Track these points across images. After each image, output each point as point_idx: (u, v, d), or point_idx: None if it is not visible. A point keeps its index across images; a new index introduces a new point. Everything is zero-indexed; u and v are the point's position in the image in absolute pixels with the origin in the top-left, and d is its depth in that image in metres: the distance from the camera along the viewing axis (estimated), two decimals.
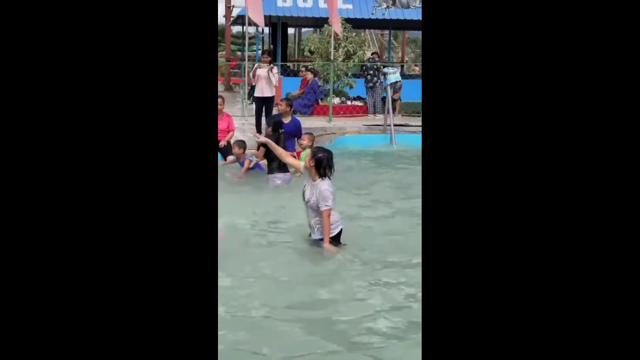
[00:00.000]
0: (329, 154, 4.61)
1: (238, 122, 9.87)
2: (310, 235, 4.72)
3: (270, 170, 7.02)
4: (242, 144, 7.58)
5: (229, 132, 8.16)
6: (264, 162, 7.30)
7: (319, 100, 12.64)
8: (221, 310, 3.37)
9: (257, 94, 9.84)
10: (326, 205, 4.44)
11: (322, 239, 4.51)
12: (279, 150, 5.18)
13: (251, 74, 10.13)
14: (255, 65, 10.04)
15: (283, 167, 6.96)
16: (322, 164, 4.53)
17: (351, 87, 13.18)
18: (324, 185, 4.50)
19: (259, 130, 9.49)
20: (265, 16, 11.67)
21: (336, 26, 11.32)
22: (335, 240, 4.57)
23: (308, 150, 7.09)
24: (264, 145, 6.99)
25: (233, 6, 18.02)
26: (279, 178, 6.97)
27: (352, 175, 7.82)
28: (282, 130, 7.18)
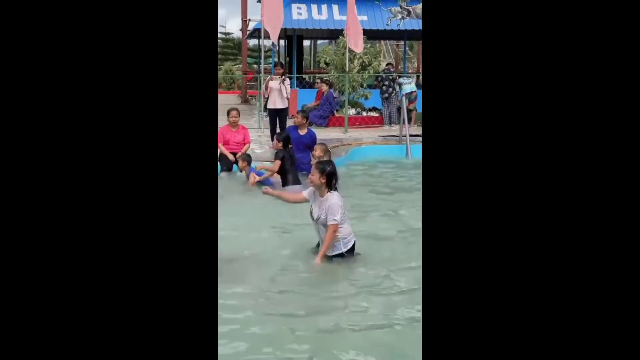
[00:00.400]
0: (334, 166, 4.57)
1: (254, 135, 9.94)
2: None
3: (285, 183, 7.19)
4: (246, 158, 7.66)
5: (244, 144, 8.21)
6: (274, 177, 7.35)
7: (335, 112, 12.67)
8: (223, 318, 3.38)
9: (269, 106, 9.91)
10: (334, 220, 4.33)
11: (336, 255, 4.42)
12: (284, 195, 5.19)
13: (263, 87, 10.22)
14: (268, 77, 10.12)
15: (297, 180, 7.16)
16: (332, 177, 4.47)
17: (366, 98, 13.20)
18: (334, 198, 4.42)
19: (273, 140, 9.57)
20: (280, 29, 11.77)
21: (353, 41, 11.31)
22: (349, 253, 4.50)
23: None
24: (281, 159, 7.11)
25: (249, 20, 18.19)
26: (294, 190, 7.01)
27: (367, 186, 7.82)
28: (291, 145, 7.38)
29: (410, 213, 6.15)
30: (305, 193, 4.70)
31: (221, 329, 3.18)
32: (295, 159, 7.45)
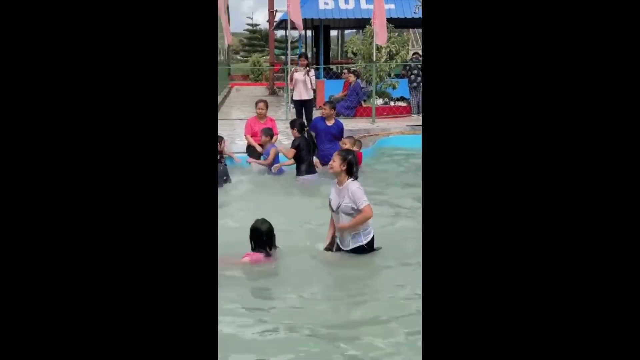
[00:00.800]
0: (355, 155, 4.59)
1: (282, 126, 9.96)
2: (336, 247, 4.49)
3: (299, 172, 7.19)
4: (269, 132, 7.63)
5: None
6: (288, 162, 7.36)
7: (362, 102, 12.62)
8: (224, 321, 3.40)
9: (295, 97, 9.93)
10: (364, 202, 4.28)
11: (357, 248, 4.35)
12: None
13: (289, 78, 10.24)
14: (292, 69, 10.13)
15: (311, 169, 7.19)
16: (352, 166, 4.43)
17: (394, 87, 13.10)
18: (354, 185, 4.38)
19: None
20: (307, 19, 11.75)
21: (379, 34, 11.20)
22: (369, 246, 4.40)
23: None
24: (297, 148, 7.13)
25: (276, 11, 18.21)
26: (308, 180, 7.14)
27: (394, 176, 7.77)
28: (307, 127, 7.41)
29: None
30: (331, 195, 4.55)
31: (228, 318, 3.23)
32: (313, 146, 7.43)
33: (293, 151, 7.17)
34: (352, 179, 4.41)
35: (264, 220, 4.28)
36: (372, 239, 4.43)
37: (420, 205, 6.04)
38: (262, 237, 4.18)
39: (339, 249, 4.47)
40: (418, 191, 7.11)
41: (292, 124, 7.61)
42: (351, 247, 4.37)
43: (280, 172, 7.45)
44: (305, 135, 7.40)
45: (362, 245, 4.36)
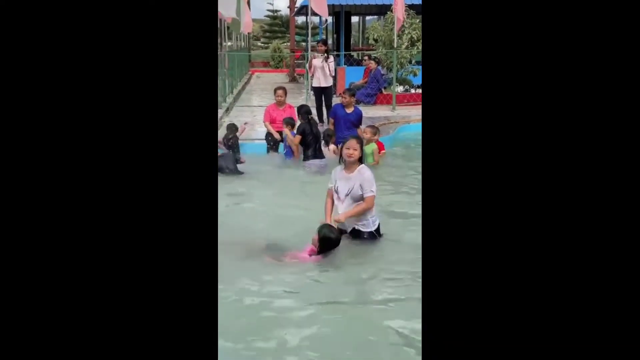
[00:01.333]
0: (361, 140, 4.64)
1: None
2: (341, 233, 4.37)
3: (306, 157, 7.31)
4: (290, 121, 7.71)
5: None
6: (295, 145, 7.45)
7: (383, 89, 12.54)
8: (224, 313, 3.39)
9: (314, 84, 9.89)
10: (371, 192, 4.30)
11: (369, 233, 4.37)
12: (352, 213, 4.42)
13: (307, 65, 10.18)
14: (311, 56, 10.08)
15: (319, 154, 7.31)
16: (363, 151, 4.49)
17: (415, 74, 12.97)
18: (367, 171, 4.39)
19: (320, 119, 9.59)
20: (328, 5, 11.66)
21: (399, 11, 11.12)
22: (377, 232, 4.46)
23: (373, 145, 7.07)
24: (302, 133, 7.28)
25: None
26: (314, 165, 7.24)
27: (414, 163, 7.73)
28: (311, 115, 7.58)
29: None
30: (329, 184, 4.53)
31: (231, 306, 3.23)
32: (319, 133, 7.55)
33: (299, 137, 7.34)
34: (362, 164, 4.44)
35: (330, 229, 4.20)
36: (379, 227, 4.49)
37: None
38: (333, 245, 4.16)
39: (343, 231, 4.43)
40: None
41: (298, 110, 7.71)
42: (364, 229, 4.39)
43: (289, 156, 7.50)
44: (310, 121, 7.53)
45: (372, 231, 4.42)
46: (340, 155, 4.51)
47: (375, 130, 7.37)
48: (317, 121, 9.61)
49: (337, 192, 4.44)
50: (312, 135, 7.36)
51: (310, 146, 7.30)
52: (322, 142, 7.59)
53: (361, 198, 4.32)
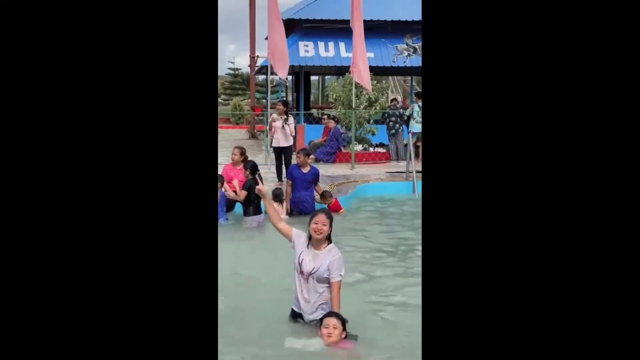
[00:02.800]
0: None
1: (261, 171, 9.93)
2: (299, 316, 4.00)
3: (246, 213, 7.45)
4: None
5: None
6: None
7: (342, 148, 12.69)
8: None
9: (274, 144, 9.99)
10: (340, 276, 3.87)
11: (320, 319, 3.80)
12: (272, 212, 4.27)
13: (267, 127, 10.28)
14: (270, 118, 10.19)
15: (258, 210, 7.43)
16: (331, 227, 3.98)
17: (373, 134, 13.22)
18: (338, 252, 3.95)
19: (279, 178, 9.61)
20: (289, 66, 11.89)
21: (365, 80, 11.33)
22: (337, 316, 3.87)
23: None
24: (248, 190, 7.31)
25: (257, 56, 18.43)
26: (254, 220, 7.39)
27: (373, 223, 7.75)
28: (259, 171, 7.68)
29: (412, 257, 6.05)
30: (293, 232, 4.10)
31: None
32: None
33: (245, 193, 7.45)
34: (331, 244, 4.01)
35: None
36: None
37: (399, 252, 6.06)
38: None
39: (299, 316, 4.00)
40: (398, 236, 7.10)
41: (245, 166, 7.85)
42: (315, 317, 3.92)
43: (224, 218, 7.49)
44: (257, 177, 7.56)
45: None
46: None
47: (323, 191, 7.53)
48: (277, 179, 9.63)
49: (300, 265, 3.97)
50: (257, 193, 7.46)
51: (253, 203, 7.44)
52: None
53: (326, 281, 3.89)
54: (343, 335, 3.73)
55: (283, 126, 9.75)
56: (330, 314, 3.83)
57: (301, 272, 3.95)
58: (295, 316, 4.03)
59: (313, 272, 3.88)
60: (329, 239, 3.99)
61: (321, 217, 3.96)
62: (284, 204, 8.15)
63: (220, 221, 7.14)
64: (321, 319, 3.79)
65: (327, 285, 3.90)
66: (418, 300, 4.17)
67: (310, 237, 3.97)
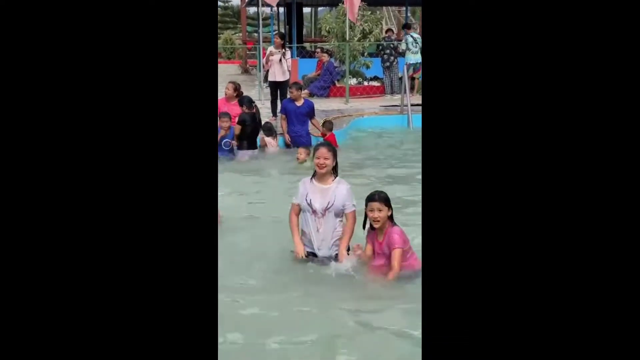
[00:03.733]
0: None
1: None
2: (309, 254, 3.95)
3: (241, 147, 7.57)
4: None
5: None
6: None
7: (336, 82, 12.53)
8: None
9: (270, 78, 9.82)
10: (353, 206, 3.87)
11: (335, 255, 3.87)
12: (295, 235, 4.03)
13: (264, 60, 10.08)
14: (268, 51, 9.98)
15: (252, 144, 7.65)
16: (336, 157, 3.98)
17: (368, 67, 13.02)
18: (346, 185, 3.93)
19: (274, 113, 9.54)
20: None
21: (350, 11, 11.06)
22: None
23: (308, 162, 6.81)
24: (241, 124, 7.46)
25: None
26: (246, 154, 7.56)
27: (367, 159, 7.79)
28: (254, 103, 7.87)
29: (406, 190, 6.10)
30: (295, 199, 4.02)
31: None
32: (259, 124, 7.86)
33: (239, 127, 7.50)
34: (337, 177, 3.99)
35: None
36: None
37: (392, 183, 6.12)
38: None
39: (312, 254, 3.97)
40: (390, 172, 7.16)
41: (241, 102, 7.87)
42: (329, 254, 3.93)
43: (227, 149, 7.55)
44: (254, 110, 7.80)
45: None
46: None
47: (324, 121, 7.51)
48: (272, 115, 9.57)
49: (311, 206, 3.89)
50: (251, 127, 7.62)
51: (247, 137, 7.54)
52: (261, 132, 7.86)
53: (342, 214, 3.89)
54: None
55: (281, 60, 9.57)
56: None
57: (314, 212, 3.89)
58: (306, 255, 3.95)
59: (329, 206, 3.85)
60: (335, 172, 3.96)
61: (322, 152, 3.91)
62: (277, 137, 8.14)
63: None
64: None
65: (341, 219, 3.91)
66: (418, 220, 4.22)
67: (315, 172, 3.97)
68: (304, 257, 3.93)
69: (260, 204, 5.66)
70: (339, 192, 3.87)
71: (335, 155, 3.95)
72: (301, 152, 7.14)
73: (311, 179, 3.99)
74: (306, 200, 3.92)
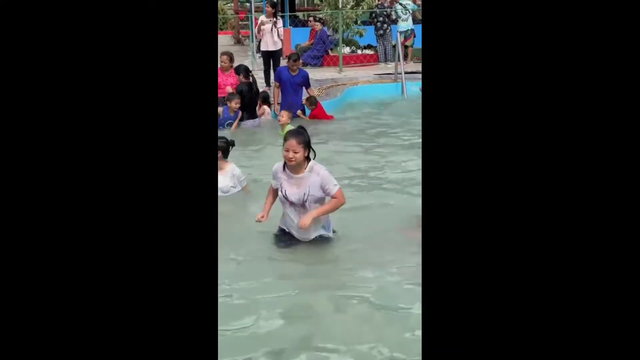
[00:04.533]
0: (306, 132, 3.79)
1: None
2: (288, 237, 3.84)
3: (242, 118, 7.69)
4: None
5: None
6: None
7: (329, 51, 12.46)
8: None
9: (262, 48, 9.77)
10: (335, 185, 3.67)
11: (319, 237, 3.79)
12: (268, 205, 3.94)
13: (256, 30, 10.01)
14: (260, 20, 9.90)
15: (252, 115, 7.81)
16: (309, 145, 3.70)
17: (361, 35, 12.93)
18: (321, 169, 3.71)
19: (267, 83, 9.51)
20: None
21: None
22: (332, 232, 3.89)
23: (289, 126, 6.62)
24: (240, 94, 7.56)
25: None
26: (249, 124, 7.73)
27: (361, 128, 7.80)
28: (251, 72, 8.08)
29: (402, 157, 6.14)
30: (272, 182, 3.86)
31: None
32: (257, 93, 7.99)
33: (238, 100, 7.52)
34: (312, 162, 3.73)
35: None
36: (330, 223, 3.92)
37: (387, 157, 6.15)
38: None
39: (292, 238, 3.84)
40: (385, 140, 7.18)
41: (237, 70, 7.96)
42: (313, 236, 3.80)
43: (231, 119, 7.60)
44: (250, 80, 7.93)
45: (327, 236, 3.85)
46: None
47: (309, 96, 7.75)
48: (265, 84, 9.53)
49: (287, 199, 3.72)
50: (250, 97, 7.73)
51: (247, 107, 7.64)
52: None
53: (323, 200, 3.71)
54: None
55: (272, 29, 9.51)
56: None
57: (292, 204, 3.72)
58: (285, 234, 3.86)
59: (306, 198, 3.66)
60: (307, 159, 3.71)
61: (291, 144, 3.62)
62: (272, 106, 8.15)
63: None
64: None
65: (322, 202, 3.73)
66: (418, 191, 4.26)
67: (285, 164, 3.73)
68: (260, 220, 3.82)
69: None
70: (312, 182, 3.66)
71: (306, 145, 3.65)
72: (283, 115, 7.03)
73: (284, 167, 3.75)
74: (281, 192, 3.75)
